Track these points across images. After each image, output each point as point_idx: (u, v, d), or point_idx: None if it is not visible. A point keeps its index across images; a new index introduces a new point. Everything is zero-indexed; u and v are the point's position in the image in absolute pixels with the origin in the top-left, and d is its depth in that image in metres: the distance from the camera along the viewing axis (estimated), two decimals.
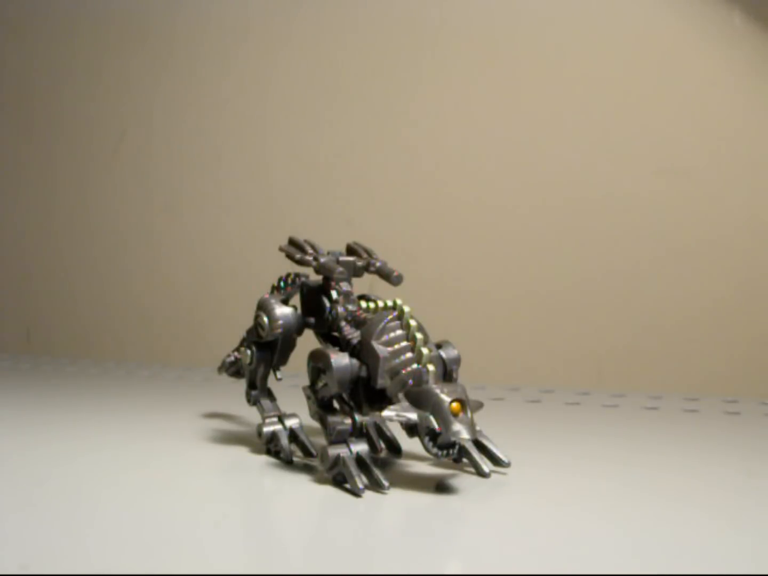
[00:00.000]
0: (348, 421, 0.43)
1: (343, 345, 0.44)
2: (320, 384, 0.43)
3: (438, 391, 0.40)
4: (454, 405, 0.40)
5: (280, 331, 0.48)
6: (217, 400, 0.69)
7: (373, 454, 0.46)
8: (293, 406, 0.51)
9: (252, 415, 0.54)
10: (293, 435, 0.49)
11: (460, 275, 0.85)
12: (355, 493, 0.41)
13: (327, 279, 0.47)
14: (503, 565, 0.31)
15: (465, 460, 0.46)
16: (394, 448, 0.50)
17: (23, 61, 1.05)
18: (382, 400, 0.42)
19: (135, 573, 0.30)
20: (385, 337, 0.42)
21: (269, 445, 0.50)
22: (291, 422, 0.50)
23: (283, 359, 0.50)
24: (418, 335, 0.42)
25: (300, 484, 0.43)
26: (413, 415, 0.40)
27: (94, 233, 1.02)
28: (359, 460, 0.43)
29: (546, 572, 0.31)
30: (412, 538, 0.36)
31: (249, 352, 0.50)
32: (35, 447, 0.52)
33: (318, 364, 0.43)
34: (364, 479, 0.41)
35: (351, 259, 0.49)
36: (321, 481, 0.43)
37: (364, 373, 0.42)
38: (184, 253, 0.97)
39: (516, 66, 0.83)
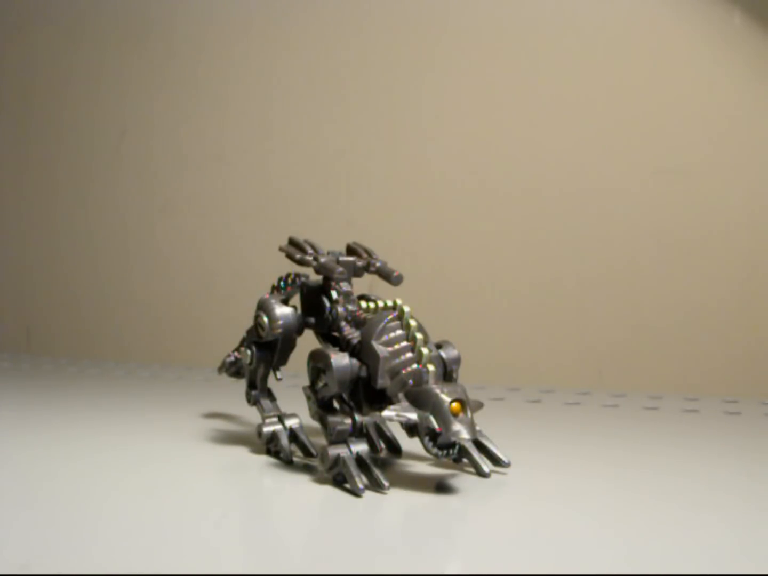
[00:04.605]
0: (348, 421, 0.43)
1: (343, 345, 0.44)
2: (320, 384, 0.43)
3: (438, 391, 0.40)
4: (454, 405, 0.40)
5: (280, 331, 0.48)
6: (217, 400, 0.69)
7: (373, 454, 0.46)
8: (293, 406, 0.51)
9: (252, 415, 0.54)
10: (293, 435, 0.49)
11: (460, 275, 0.85)
12: (355, 493, 0.41)
13: (327, 279, 0.47)
14: (503, 565, 0.31)
15: (465, 460, 0.46)
16: (394, 448, 0.50)
17: (24, 61, 1.05)
18: (382, 400, 0.42)
19: (135, 573, 0.30)
20: (385, 337, 0.42)
21: (269, 445, 0.50)
22: (291, 422, 0.50)
23: (283, 359, 0.50)
24: (418, 335, 0.42)
25: (300, 484, 0.43)
26: (413, 415, 0.40)
27: (94, 233, 1.02)
28: (359, 460, 0.43)
29: (546, 572, 0.31)
30: (412, 538, 0.36)
31: (249, 352, 0.50)
32: (35, 447, 0.52)
33: (318, 364, 0.43)
34: (364, 479, 0.42)
35: (351, 259, 0.49)
36: (321, 481, 0.43)
37: (364, 373, 0.42)
38: (184, 253, 0.97)
39: (516, 67, 0.83)
